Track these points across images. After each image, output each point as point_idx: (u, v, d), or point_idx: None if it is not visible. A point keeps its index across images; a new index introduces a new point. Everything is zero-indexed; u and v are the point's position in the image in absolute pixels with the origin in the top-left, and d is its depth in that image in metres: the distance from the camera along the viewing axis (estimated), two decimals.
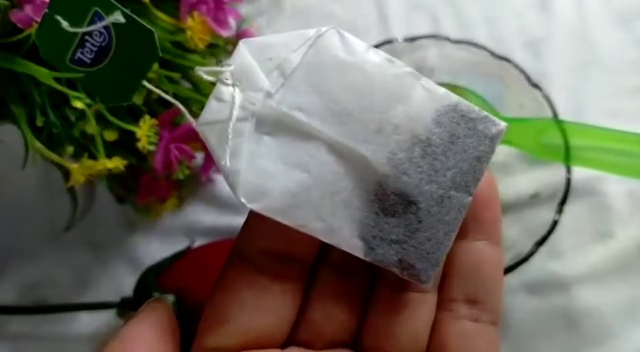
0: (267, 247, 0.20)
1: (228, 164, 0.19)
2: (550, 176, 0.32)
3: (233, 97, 0.19)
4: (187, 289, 0.30)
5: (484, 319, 0.20)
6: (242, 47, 0.19)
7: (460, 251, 0.21)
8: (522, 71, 0.32)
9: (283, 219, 0.19)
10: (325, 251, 0.21)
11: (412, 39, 0.33)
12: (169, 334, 0.21)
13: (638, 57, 0.40)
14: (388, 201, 0.20)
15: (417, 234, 0.20)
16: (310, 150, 0.19)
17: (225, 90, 0.19)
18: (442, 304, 0.21)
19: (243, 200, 0.19)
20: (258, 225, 0.20)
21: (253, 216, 0.20)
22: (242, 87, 0.19)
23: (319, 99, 0.19)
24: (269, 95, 0.19)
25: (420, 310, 0.21)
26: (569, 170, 0.30)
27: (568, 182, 0.30)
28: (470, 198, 0.20)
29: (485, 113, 0.20)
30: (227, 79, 0.19)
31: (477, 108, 0.20)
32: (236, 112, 0.19)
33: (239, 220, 0.37)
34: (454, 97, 0.20)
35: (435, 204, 0.20)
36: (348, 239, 0.20)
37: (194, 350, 0.20)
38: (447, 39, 0.33)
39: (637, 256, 0.34)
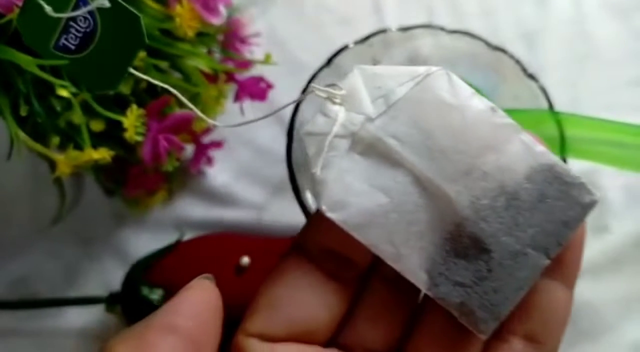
0: (329, 246, 0.21)
1: (318, 173, 0.20)
2: None
3: (337, 115, 0.20)
4: (176, 283, 0.30)
5: None
6: (356, 72, 0.21)
7: (535, 286, 0.20)
8: (518, 62, 0.32)
9: (356, 234, 0.20)
10: (379, 262, 0.21)
11: (406, 29, 0.33)
12: (213, 310, 0.20)
13: (635, 49, 0.39)
14: (462, 242, 0.20)
15: (485, 283, 0.20)
16: (397, 178, 0.20)
17: (332, 108, 0.20)
18: (499, 333, 0.20)
19: (324, 207, 0.20)
20: (324, 224, 0.20)
21: (321, 216, 0.20)
22: (347, 108, 0.20)
23: (415, 132, 0.20)
24: (369, 119, 0.20)
25: (471, 341, 0.20)
26: (564, 162, 0.30)
27: None
28: (547, 262, 0.20)
29: (582, 180, 0.20)
30: (336, 99, 0.20)
31: (574, 173, 0.20)
32: (336, 129, 0.20)
33: (229, 213, 0.37)
34: (552, 157, 0.20)
35: (509, 257, 0.20)
36: (414, 269, 0.20)
37: (239, 333, 0.20)
38: (442, 28, 0.32)
39: (632, 249, 0.34)
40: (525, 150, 0.20)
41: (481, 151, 0.20)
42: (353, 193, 0.20)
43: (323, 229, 0.21)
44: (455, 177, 0.20)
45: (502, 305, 0.20)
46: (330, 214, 0.20)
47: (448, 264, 0.20)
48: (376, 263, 0.21)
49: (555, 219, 0.20)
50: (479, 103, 0.20)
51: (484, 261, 0.20)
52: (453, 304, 0.20)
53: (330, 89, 0.20)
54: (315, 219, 0.21)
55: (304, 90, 0.26)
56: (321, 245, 0.21)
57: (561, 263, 0.20)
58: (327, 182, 0.20)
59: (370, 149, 0.20)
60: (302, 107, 0.31)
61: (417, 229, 0.20)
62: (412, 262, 0.20)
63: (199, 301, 0.20)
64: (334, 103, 0.21)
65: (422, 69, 0.20)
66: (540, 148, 0.20)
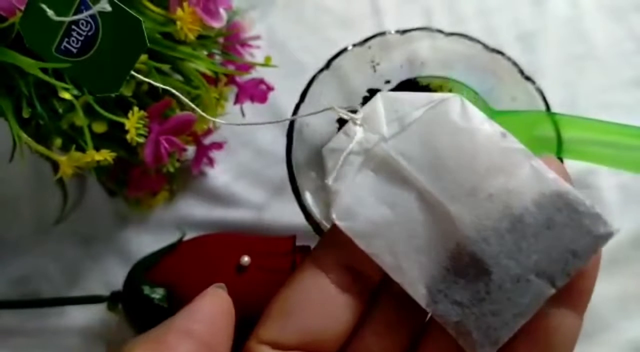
0: (343, 260, 0.22)
1: (330, 183, 0.22)
2: None
3: (355, 134, 0.22)
4: (177, 283, 0.30)
5: None
6: (379, 97, 0.23)
7: (542, 312, 0.20)
8: (515, 64, 0.32)
9: (360, 243, 0.21)
10: (389, 279, 0.21)
11: (404, 31, 0.33)
12: (226, 317, 0.21)
13: (632, 50, 0.40)
14: (462, 261, 0.20)
15: (483, 304, 0.20)
16: (402, 193, 0.21)
17: (352, 128, 0.23)
18: None
19: (334, 216, 0.21)
20: (340, 239, 0.21)
21: (338, 231, 0.21)
22: (365, 128, 0.22)
23: (425, 152, 0.21)
24: (383, 139, 0.22)
25: None
26: (561, 163, 0.30)
27: None
28: (553, 291, 0.19)
29: (598, 212, 0.19)
30: (358, 121, 0.23)
31: (589, 203, 0.19)
32: (351, 146, 0.22)
33: (231, 214, 0.37)
34: (564, 185, 0.20)
35: (510, 281, 0.19)
36: (413, 283, 0.21)
37: (251, 339, 0.21)
38: (440, 31, 0.33)
39: (629, 249, 0.34)
40: (535, 176, 0.20)
41: (488, 173, 0.20)
42: (361, 205, 0.21)
43: (339, 244, 0.21)
44: (459, 196, 0.20)
45: (501, 330, 0.19)
46: (338, 222, 0.21)
47: (448, 282, 0.20)
48: (387, 280, 0.21)
49: (562, 247, 0.19)
50: (489, 127, 0.21)
51: (483, 282, 0.20)
52: (450, 323, 0.20)
53: (352, 113, 0.22)
54: (331, 233, 0.22)
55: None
56: (336, 259, 0.22)
57: (572, 291, 0.20)
58: (339, 192, 0.22)
59: (382, 166, 0.22)
60: (302, 110, 0.31)
61: (418, 243, 0.21)
62: (412, 276, 0.20)
63: (213, 308, 0.21)
64: (356, 124, 0.22)
65: (437, 96, 0.22)
66: (552, 175, 0.20)
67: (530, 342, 0.20)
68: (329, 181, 0.22)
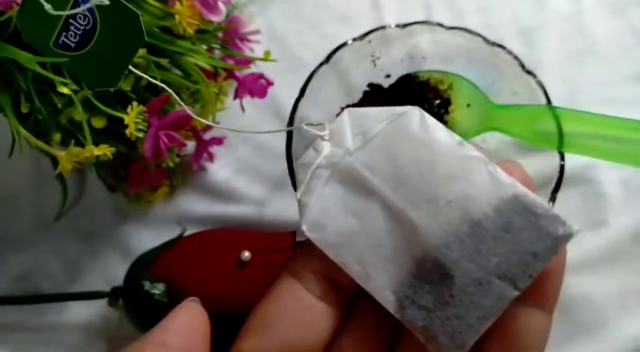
0: (319, 270, 0.22)
1: (299, 196, 0.23)
2: (544, 163, 0.31)
3: (322, 149, 0.23)
4: (177, 278, 0.30)
5: None
6: (345, 113, 0.24)
7: (510, 312, 0.20)
8: (516, 58, 0.32)
9: (329, 253, 0.22)
10: None
11: (404, 25, 0.33)
12: (201, 328, 0.22)
13: (632, 44, 0.39)
14: (425, 267, 0.21)
15: (447, 308, 0.20)
16: (368, 204, 0.22)
17: (321, 144, 0.24)
18: None
19: (304, 227, 0.22)
20: (315, 250, 0.22)
21: (312, 243, 0.22)
22: (332, 143, 0.23)
23: (387, 163, 0.22)
24: (348, 152, 0.23)
25: None
26: (562, 158, 0.30)
27: (562, 169, 0.30)
28: (516, 293, 0.20)
29: (556, 213, 0.20)
30: (326, 136, 0.24)
31: (547, 205, 0.20)
32: (319, 161, 0.23)
33: (231, 209, 0.37)
34: (521, 189, 0.20)
35: (473, 284, 0.20)
36: (381, 290, 0.21)
37: (232, 351, 0.22)
38: (440, 25, 0.33)
39: (630, 244, 0.34)
40: (492, 181, 0.21)
41: (447, 181, 0.21)
42: (329, 216, 0.22)
43: (314, 254, 0.22)
44: (420, 204, 0.21)
45: (466, 333, 0.20)
46: (308, 234, 0.22)
47: (414, 288, 0.21)
48: (362, 287, 0.22)
49: (522, 249, 0.20)
50: (447, 137, 0.22)
51: (446, 286, 0.20)
52: (417, 328, 0.20)
53: (315, 129, 0.24)
54: (307, 245, 0.23)
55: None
56: (312, 269, 0.22)
57: (539, 291, 0.20)
58: (308, 205, 0.22)
59: (348, 178, 0.23)
60: (302, 104, 0.31)
61: (384, 252, 0.21)
62: (380, 283, 0.21)
63: (188, 320, 0.22)
64: (324, 140, 0.23)
65: (399, 109, 0.23)
66: (509, 179, 0.20)
67: (500, 343, 0.20)
68: (298, 194, 0.23)
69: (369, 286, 0.21)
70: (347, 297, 0.23)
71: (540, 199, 0.20)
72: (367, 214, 0.22)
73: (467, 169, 0.21)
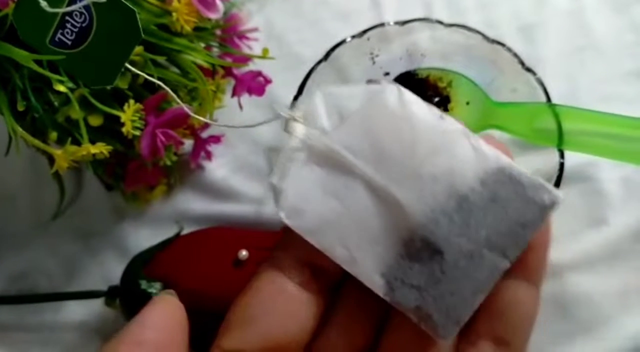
0: (301, 257, 0.21)
1: (274, 182, 0.21)
2: (544, 161, 0.31)
3: (295, 131, 0.22)
4: (174, 277, 0.30)
5: None
6: (318, 93, 0.23)
7: (497, 287, 0.20)
8: (516, 55, 0.32)
9: (311, 239, 0.21)
10: None
11: (403, 23, 0.33)
12: (178, 322, 0.21)
13: (633, 41, 0.39)
14: (414, 246, 0.20)
15: (440, 285, 0.20)
16: (349, 184, 0.21)
17: (294, 126, 0.22)
18: (468, 337, 0.21)
19: (282, 215, 0.21)
20: (296, 236, 0.21)
21: (291, 229, 0.21)
22: (306, 124, 0.22)
23: (366, 142, 0.21)
24: (324, 132, 0.22)
25: (439, 346, 0.20)
26: (562, 155, 0.30)
27: (561, 167, 0.30)
28: (507, 263, 0.20)
29: (541, 181, 0.20)
30: (299, 117, 0.22)
31: (531, 175, 0.20)
32: (293, 143, 0.22)
33: (229, 208, 0.37)
34: (505, 160, 0.20)
35: (464, 258, 0.20)
36: (369, 274, 0.20)
37: (213, 349, 0.21)
38: (439, 22, 0.32)
39: (630, 242, 0.34)
40: (475, 154, 0.20)
41: (430, 156, 0.20)
42: (308, 200, 0.21)
43: (295, 242, 0.21)
44: (404, 182, 0.20)
45: (461, 308, 0.20)
46: (287, 220, 0.21)
47: (403, 269, 0.20)
48: (347, 272, 0.21)
49: (510, 220, 0.20)
50: (427, 112, 0.21)
51: (437, 262, 0.20)
52: (410, 309, 0.20)
53: (289, 111, 0.22)
54: (287, 232, 0.21)
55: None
56: (293, 257, 0.21)
57: (524, 263, 0.20)
58: (283, 190, 0.21)
59: (326, 159, 0.21)
60: (300, 101, 0.31)
61: (369, 233, 0.21)
62: (367, 267, 0.20)
63: (164, 315, 0.21)
64: (297, 121, 0.22)
65: (375, 87, 0.22)
66: (492, 151, 0.20)
67: (489, 317, 0.20)
68: (274, 179, 0.21)
69: (355, 270, 0.21)
70: (332, 283, 0.22)
71: (524, 169, 0.20)
72: (349, 196, 0.21)
73: (449, 143, 0.21)
